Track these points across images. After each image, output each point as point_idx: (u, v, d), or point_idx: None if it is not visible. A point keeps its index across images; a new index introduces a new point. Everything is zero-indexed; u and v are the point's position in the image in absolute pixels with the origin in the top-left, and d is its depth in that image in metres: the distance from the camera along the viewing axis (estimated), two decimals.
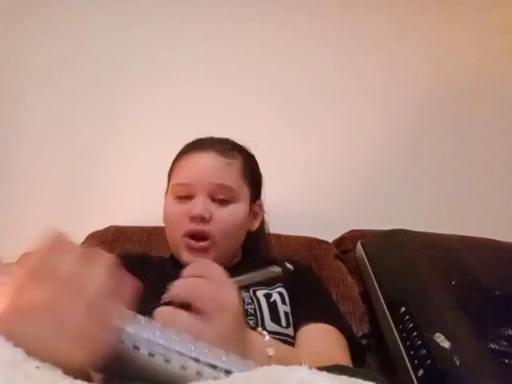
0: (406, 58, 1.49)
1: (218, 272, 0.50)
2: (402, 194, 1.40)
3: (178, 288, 0.48)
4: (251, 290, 0.74)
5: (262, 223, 0.95)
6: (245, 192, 0.84)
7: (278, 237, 1.15)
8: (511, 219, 1.36)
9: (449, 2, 1.53)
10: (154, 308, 0.46)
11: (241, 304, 0.49)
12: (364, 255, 1.09)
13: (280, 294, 0.76)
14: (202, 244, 0.77)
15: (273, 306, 0.71)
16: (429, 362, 0.74)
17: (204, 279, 0.48)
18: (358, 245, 1.13)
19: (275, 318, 0.70)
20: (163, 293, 0.49)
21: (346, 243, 1.21)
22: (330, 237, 1.24)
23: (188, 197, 0.80)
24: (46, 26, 1.43)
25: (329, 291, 0.92)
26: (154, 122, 1.38)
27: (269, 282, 0.76)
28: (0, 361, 0.32)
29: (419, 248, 1.02)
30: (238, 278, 0.57)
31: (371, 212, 1.35)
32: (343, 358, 0.66)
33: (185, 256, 0.78)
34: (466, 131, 1.46)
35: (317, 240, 1.18)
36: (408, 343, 0.81)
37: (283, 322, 0.71)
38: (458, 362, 0.71)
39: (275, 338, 0.59)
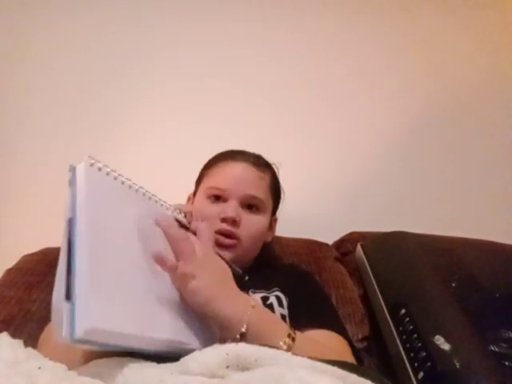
0: (408, 59, 1.50)
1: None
2: (402, 197, 1.40)
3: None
4: (249, 292, 0.75)
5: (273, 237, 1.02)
6: (270, 205, 0.92)
7: (279, 239, 1.15)
8: (511, 221, 1.36)
9: (450, 3, 1.53)
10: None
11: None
12: (364, 257, 1.08)
13: (277, 297, 0.77)
14: (229, 241, 0.83)
15: (269, 308, 0.71)
16: (429, 364, 0.74)
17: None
18: (358, 247, 1.13)
19: None
20: None
21: (345, 245, 1.21)
22: (330, 239, 1.24)
23: (220, 199, 0.86)
24: (46, 25, 1.43)
25: (329, 298, 0.93)
26: (154, 122, 1.38)
27: (267, 286, 0.79)
28: (1, 361, 0.32)
29: (419, 250, 1.01)
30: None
31: (371, 214, 1.36)
32: (348, 353, 0.68)
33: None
34: (466, 134, 1.46)
35: (317, 242, 1.18)
36: (408, 345, 0.80)
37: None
38: (458, 365, 0.71)
39: None
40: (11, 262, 1.05)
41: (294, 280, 0.85)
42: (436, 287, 0.89)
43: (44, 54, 1.42)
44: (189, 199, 0.96)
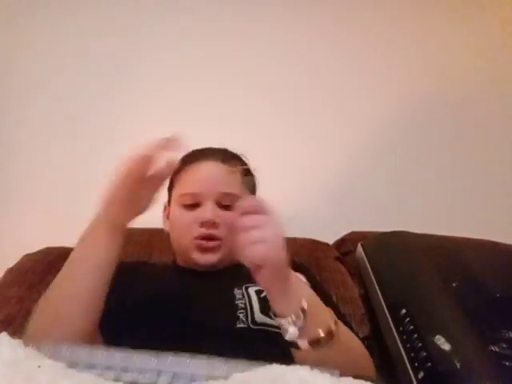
0: (405, 58, 1.49)
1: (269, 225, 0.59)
2: (403, 196, 1.40)
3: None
4: (243, 287, 0.76)
5: None
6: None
7: None
8: (511, 221, 1.36)
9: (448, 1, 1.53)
10: None
11: (283, 259, 0.59)
12: (364, 257, 1.08)
13: None
14: (211, 243, 0.82)
15: (263, 301, 0.73)
16: (429, 364, 0.74)
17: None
18: (359, 247, 1.13)
19: (265, 311, 0.71)
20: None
21: (346, 245, 1.21)
22: (331, 239, 1.24)
23: (195, 205, 0.84)
24: (46, 25, 1.43)
25: (327, 291, 0.93)
26: (154, 122, 1.38)
27: None
28: (1, 360, 0.32)
29: (419, 250, 1.01)
30: None
31: (371, 214, 1.35)
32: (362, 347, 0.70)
33: (195, 255, 0.82)
34: (466, 132, 1.46)
35: (317, 242, 1.18)
36: (408, 345, 0.80)
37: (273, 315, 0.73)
38: (458, 365, 0.71)
39: (264, 330, 0.68)
40: (12, 262, 1.05)
41: None
42: (436, 287, 0.89)
43: (44, 54, 1.42)
44: (165, 208, 0.93)
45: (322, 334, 0.58)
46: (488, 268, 0.97)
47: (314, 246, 1.16)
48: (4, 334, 0.37)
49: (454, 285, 0.89)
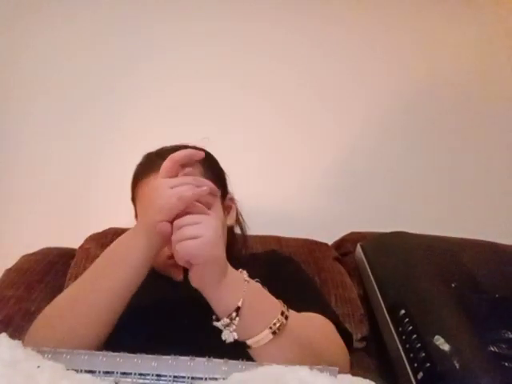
0: (405, 59, 1.49)
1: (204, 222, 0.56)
2: (402, 197, 1.40)
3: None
4: None
5: (237, 214, 0.95)
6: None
7: (278, 239, 1.15)
8: (510, 221, 1.36)
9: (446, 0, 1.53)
10: None
11: (216, 255, 0.56)
12: (363, 257, 1.08)
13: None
14: None
15: None
16: (428, 364, 0.74)
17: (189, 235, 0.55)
18: (358, 247, 1.13)
19: None
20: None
21: (345, 245, 1.21)
22: (330, 239, 1.24)
23: None
24: (47, 25, 1.43)
25: (311, 279, 0.91)
26: (154, 123, 1.38)
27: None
28: (0, 361, 0.32)
29: (419, 250, 1.01)
30: None
31: (371, 214, 1.35)
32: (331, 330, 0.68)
33: (176, 275, 0.77)
34: (465, 133, 1.46)
35: (316, 242, 1.18)
36: (407, 346, 0.80)
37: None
38: (457, 365, 0.71)
39: None
40: (11, 262, 1.05)
41: (273, 268, 0.82)
42: (436, 287, 0.89)
43: (45, 54, 1.42)
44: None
45: (265, 331, 0.56)
46: (487, 269, 0.97)
47: (313, 246, 1.16)
48: (4, 334, 0.37)
49: (453, 285, 0.89)
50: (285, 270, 0.84)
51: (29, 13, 1.42)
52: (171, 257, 0.70)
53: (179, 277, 0.76)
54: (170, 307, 0.69)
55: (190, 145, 0.82)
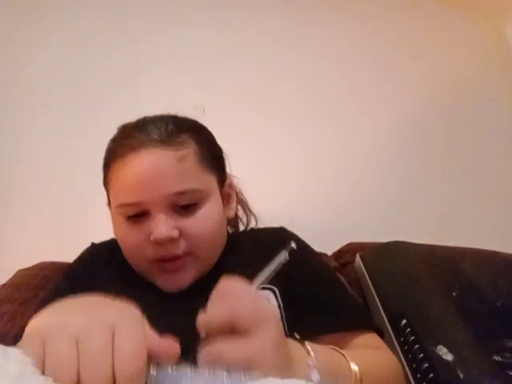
0: (404, 69, 1.51)
1: (241, 286, 0.45)
2: (401, 206, 1.40)
3: (211, 318, 0.43)
4: None
5: (237, 202, 0.85)
6: (210, 181, 0.68)
7: None
8: (511, 230, 1.36)
9: (446, 11, 1.55)
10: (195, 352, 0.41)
11: (276, 309, 0.48)
12: (363, 268, 1.08)
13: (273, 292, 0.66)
14: (179, 263, 0.64)
15: None
16: (432, 375, 0.72)
17: (232, 297, 0.43)
18: (357, 257, 1.12)
19: None
20: None
21: (344, 256, 1.20)
22: (329, 249, 1.23)
23: (141, 214, 0.64)
24: (47, 25, 1.44)
25: (335, 273, 0.84)
26: None
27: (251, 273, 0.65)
28: (7, 374, 0.32)
29: (419, 260, 1.01)
30: (257, 281, 0.50)
31: (370, 224, 1.35)
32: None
33: (161, 281, 0.66)
34: (464, 143, 1.47)
35: None
36: (410, 356, 0.79)
37: None
38: (461, 375, 0.69)
39: None
40: (5, 277, 1.03)
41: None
42: (437, 297, 0.88)
43: (45, 54, 1.43)
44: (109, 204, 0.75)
45: None
46: (488, 277, 0.96)
47: None
48: (13, 348, 0.37)
49: (454, 294, 0.88)
50: (298, 266, 0.67)
51: (30, 14, 1.43)
52: (156, 259, 0.63)
53: (167, 286, 0.65)
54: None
55: (178, 115, 0.74)
